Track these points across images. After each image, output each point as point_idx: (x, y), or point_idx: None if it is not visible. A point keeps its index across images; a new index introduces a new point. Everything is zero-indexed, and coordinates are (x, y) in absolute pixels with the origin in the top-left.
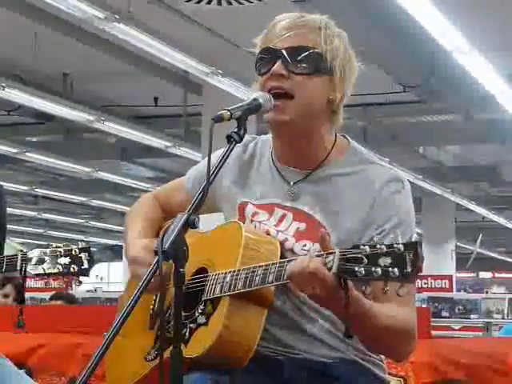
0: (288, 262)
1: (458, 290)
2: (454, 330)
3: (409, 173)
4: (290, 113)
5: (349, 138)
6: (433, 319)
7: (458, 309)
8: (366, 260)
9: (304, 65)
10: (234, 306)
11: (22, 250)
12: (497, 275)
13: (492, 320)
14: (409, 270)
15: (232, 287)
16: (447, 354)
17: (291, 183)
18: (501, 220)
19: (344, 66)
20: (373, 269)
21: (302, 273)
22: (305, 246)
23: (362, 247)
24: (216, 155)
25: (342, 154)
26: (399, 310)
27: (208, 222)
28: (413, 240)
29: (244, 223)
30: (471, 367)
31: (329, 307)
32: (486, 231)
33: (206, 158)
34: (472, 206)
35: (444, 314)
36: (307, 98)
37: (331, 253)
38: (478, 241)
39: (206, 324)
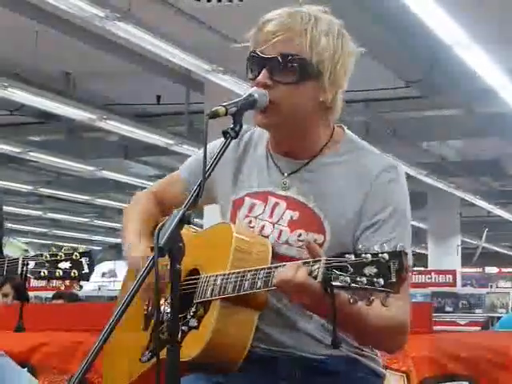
0: (276, 268)
1: (465, 285)
2: (459, 325)
3: (412, 168)
4: (277, 116)
5: (344, 128)
6: (436, 314)
7: (462, 303)
8: (351, 269)
9: (289, 73)
10: (225, 309)
11: (27, 250)
12: (503, 270)
13: (496, 314)
14: (393, 280)
15: (222, 291)
16: (448, 348)
17: (285, 174)
18: (506, 214)
19: (334, 65)
20: (358, 278)
21: (289, 282)
22: (300, 235)
23: (347, 255)
24: (210, 148)
25: (337, 143)
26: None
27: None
28: (398, 249)
29: (237, 218)
30: (472, 361)
31: (316, 313)
32: (492, 226)
33: (201, 152)
34: (476, 201)
35: (448, 308)
36: (292, 105)
37: (317, 261)
38: (484, 236)
39: (197, 328)
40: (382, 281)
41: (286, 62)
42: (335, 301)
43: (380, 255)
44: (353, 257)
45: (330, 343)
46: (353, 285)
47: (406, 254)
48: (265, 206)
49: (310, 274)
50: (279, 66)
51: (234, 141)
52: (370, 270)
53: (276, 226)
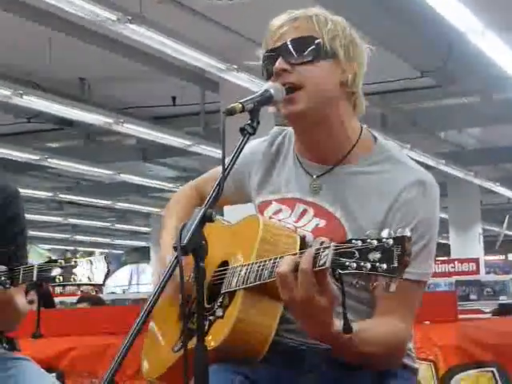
0: (294, 255)
1: (488, 273)
2: (484, 312)
3: (431, 158)
4: (303, 102)
5: (376, 135)
6: (461, 302)
7: (487, 291)
8: (357, 254)
9: (304, 54)
10: (248, 299)
11: (49, 257)
12: None
13: None
14: (395, 264)
15: (245, 280)
16: (474, 335)
17: (314, 177)
18: None
19: (346, 45)
20: (362, 263)
21: (294, 266)
22: (322, 243)
23: (354, 241)
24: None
25: (368, 151)
26: (390, 326)
27: (235, 213)
28: (403, 234)
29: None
30: (499, 347)
31: (312, 319)
32: None
33: (245, 148)
34: (496, 188)
35: (472, 297)
36: (316, 84)
37: (327, 247)
38: (505, 222)
39: (222, 317)
40: (384, 266)
41: (299, 44)
42: (343, 285)
43: (384, 241)
44: (360, 243)
45: (342, 329)
46: (357, 270)
47: (410, 239)
48: (291, 212)
49: (316, 259)
50: (292, 49)
51: (266, 143)
52: (374, 256)
53: (299, 229)
